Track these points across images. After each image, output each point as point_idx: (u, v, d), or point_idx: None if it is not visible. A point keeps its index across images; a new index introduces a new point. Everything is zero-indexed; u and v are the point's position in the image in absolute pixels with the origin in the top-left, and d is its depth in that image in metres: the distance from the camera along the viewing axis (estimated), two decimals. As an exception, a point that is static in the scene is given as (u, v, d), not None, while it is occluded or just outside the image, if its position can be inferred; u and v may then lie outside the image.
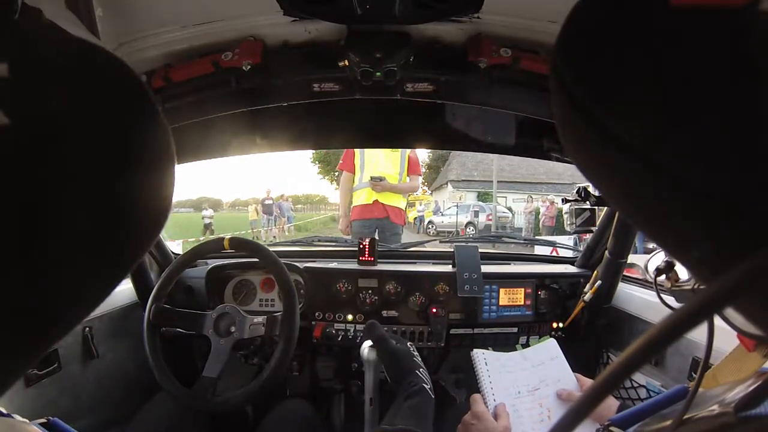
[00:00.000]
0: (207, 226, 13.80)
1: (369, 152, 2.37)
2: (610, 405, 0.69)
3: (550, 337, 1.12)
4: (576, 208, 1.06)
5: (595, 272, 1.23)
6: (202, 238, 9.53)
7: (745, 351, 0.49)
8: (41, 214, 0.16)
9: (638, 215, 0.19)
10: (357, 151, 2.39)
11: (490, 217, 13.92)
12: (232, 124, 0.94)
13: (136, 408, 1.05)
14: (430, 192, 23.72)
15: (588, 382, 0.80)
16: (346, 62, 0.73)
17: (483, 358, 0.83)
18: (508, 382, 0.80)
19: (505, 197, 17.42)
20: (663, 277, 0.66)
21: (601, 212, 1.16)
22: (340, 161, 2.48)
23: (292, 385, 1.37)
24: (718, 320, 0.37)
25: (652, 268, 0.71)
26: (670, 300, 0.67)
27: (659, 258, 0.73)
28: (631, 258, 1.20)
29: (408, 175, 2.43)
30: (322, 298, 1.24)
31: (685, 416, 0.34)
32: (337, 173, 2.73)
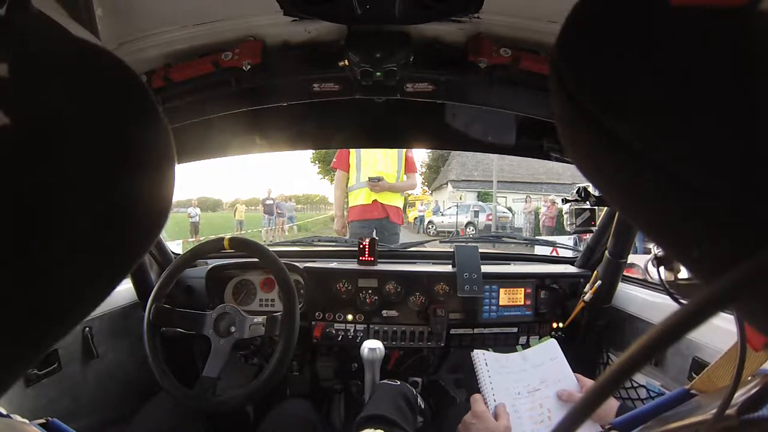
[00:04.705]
0: (193, 225, 12.94)
1: (365, 151, 2.32)
2: (611, 405, 0.69)
3: (550, 337, 1.12)
4: (576, 208, 1.06)
5: (595, 272, 1.23)
6: (192, 240, 9.42)
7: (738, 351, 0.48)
8: (42, 214, 0.15)
9: (638, 215, 0.19)
10: (352, 149, 2.32)
11: (490, 217, 13.91)
12: (232, 124, 0.94)
13: (136, 408, 1.05)
14: (430, 192, 23.72)
15: (588, 382, 0.79)
16: (346, 62, 0.73)
17: (483, 359, 0.83)
18: (508, 382, 0.80)
19: (505, 197, 17.41)
20: (663, 269, 0.64)
21: (601, 212, 1.16)
22: (334, 160, 2.41)
23: (292, 385, 1.37)
24: (721, 320, 0.37)
25: (652, 268, 0.70)
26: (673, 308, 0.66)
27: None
28: (631, 258, 1.20)
29: (405, 174, 2.39)
30: (322, 298, 1.24)
31: (689, 420, 0.33)
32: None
